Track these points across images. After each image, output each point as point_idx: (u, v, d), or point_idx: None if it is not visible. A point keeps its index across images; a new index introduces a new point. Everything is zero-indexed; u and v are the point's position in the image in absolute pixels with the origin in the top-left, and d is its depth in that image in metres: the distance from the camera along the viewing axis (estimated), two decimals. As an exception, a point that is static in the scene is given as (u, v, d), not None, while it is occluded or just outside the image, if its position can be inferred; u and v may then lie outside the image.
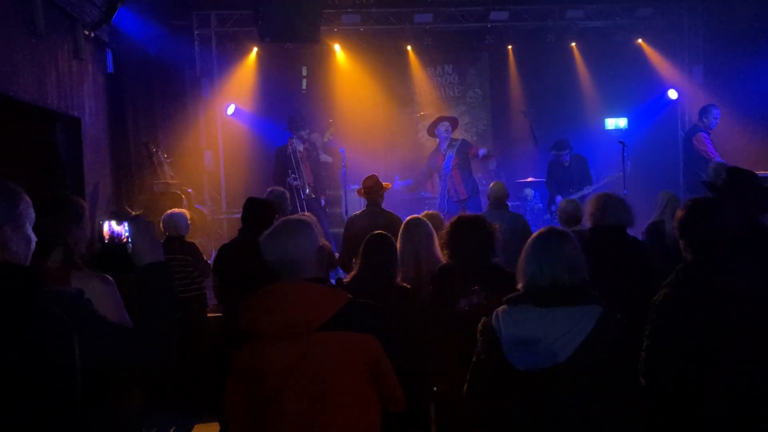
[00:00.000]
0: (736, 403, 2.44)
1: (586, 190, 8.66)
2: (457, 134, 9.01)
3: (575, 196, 8.49)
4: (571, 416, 2.24)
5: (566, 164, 8.80)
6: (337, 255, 5.80)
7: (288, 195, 6.08)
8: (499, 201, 5.86)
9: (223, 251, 4.94)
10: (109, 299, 2.43)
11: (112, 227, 2.06)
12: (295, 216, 2.48)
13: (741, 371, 2.45)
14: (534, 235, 2.52)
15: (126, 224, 2.05)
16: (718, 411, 2.44)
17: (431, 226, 4.28)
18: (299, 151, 8.53)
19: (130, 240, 2.04)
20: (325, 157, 9.26)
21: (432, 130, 8.74)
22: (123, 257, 2.03)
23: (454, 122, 8.76)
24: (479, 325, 2.44)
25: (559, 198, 8.39)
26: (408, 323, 3.46)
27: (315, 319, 2.21)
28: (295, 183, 8.34)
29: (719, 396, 2.44)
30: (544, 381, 2.24)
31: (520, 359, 2.26)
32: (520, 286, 2.43)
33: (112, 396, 2.28)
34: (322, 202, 8.82)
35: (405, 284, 3.81)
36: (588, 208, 4.15)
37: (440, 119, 8.68)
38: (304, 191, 8.44)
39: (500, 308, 2.40)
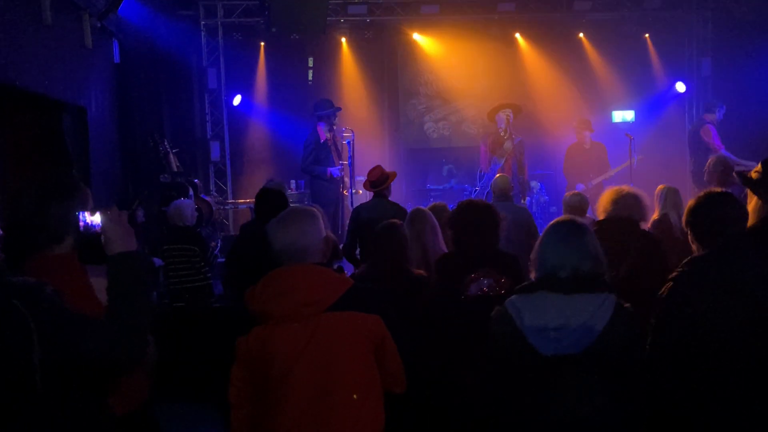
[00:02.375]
0: (741, 397, 2.44)
1: (607, 174, 8.66)
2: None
3: (595, 182, 8.51)
4: (588, 401, 2.26)
5: (587, 147, 8.76)
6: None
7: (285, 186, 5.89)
8: (503, 194, 5.85)
9: (239, 244, 4.90)
10: None
11: (85, 218, 2.07)
12: (302, 206, 2.53)
13: (747, 366, 2.44)
14: (552, 225, 2.51)
15: (99, 215, 2.07)
16: (722, 406, 2.44)
17: (435, 218, 4.28)
18: (329, 139, 8.27)
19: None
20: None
21: (493, 115, 8.29)
22: (97, 248, 2.04)
23: (516, 110, 8.24)
24: (492, 314, 2.43)
25: (580, 186, 8.38)
26: (421, 312, 3.46)
27: (324, 299, 2.26)
28: (339, 174, 8.19)
29: (725, 391, 2.44)
30: (569, 366, 2.25)
31: (546, 345, 2.27)
32: (534, 275, 2.43)
33: (109, 388, 2.29)
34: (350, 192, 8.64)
35: (421, 272, 3.82)
36: (601, 201, 4.15)
37: (502, 105, 8.24)
38: (347, 184, 8.18)
39: (514, 296, 2.40)
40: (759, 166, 4.06)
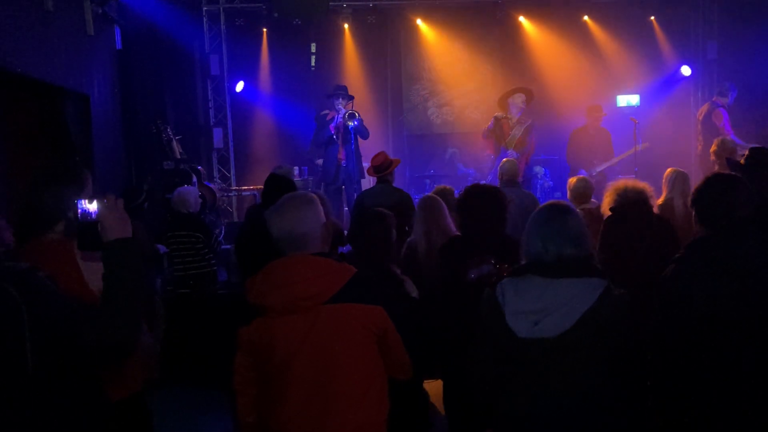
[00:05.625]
0: (743, 379, 2.43)
1: (612, 161, 8.55)
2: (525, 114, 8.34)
3: (599, 169, 8.43)
4: (568, 387, 2.24)
5: (592, 132, 8.64)
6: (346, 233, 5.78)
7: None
8: (510, 179, 5.83)
9: (247, 229, 4.89)
10: None
11: (82, 206, 2.08)
12: (300, 192, 2.49)
13: (749, 349, 2.44)
14: (536, 210, 2.49)
15: (96, 202, 2.08)
16: (725, 388, 2.44)
17: (444, 203, 4.27)
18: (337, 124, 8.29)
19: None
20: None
21: (504, 101, 8.25)
22: (94, 235, 2.05)
23: (529, 95, 8.17)
24: (482, 295, 2.42)
25: (582, 173, 8.33)
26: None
27: (323, 292, 2.24)
28: (344, 164, 8.22)
29: (726, 373, 2.44)
30: (545, 350, 2.23)
31: (522, 327, 2.25)
32: (523, 260, 2.42)
33: (104, 374, 2.29)
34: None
35: (399, 271, 3.74)
36: (605, 196, 4.15)
37: (515, 90, 8.17)
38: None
39: (505, 279, 2.39)
40: (748, 152, 4.07)
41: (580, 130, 8.80)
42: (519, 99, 8.07)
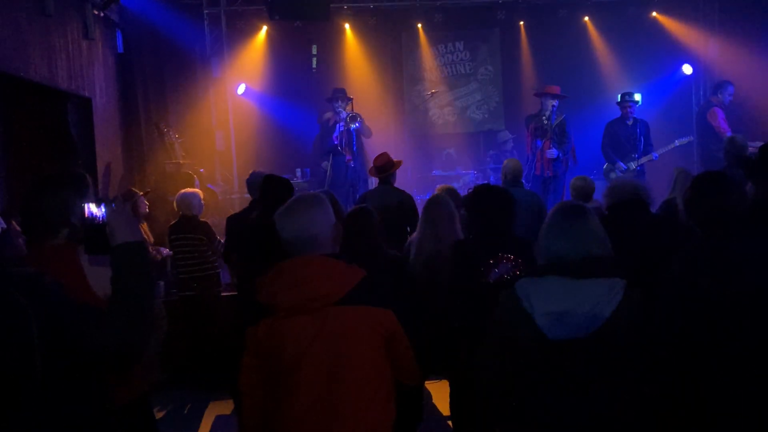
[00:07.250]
0: (746, 378, 2.43)
1: (655, 156, 8.22)
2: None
3: (641, 161, 8.15)
4: (596, 386, 2.23)
5: (630, 123, 8.29)
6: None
7: None
8: (514, 178, 5.83)
9: (240, 230, 4.88)
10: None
11: (90, 209, 2.08)
12: (309, 193, 2.47)
13: (751, 348, 2.43)
14: (555, 210, 2.47)
15: (104, 206, 2.07)
16: (729, 387, 2.44)
17: (452, 204, 4.25)
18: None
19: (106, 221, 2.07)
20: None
21: (540, 94, 8.37)
22: (102, 238, 2.05)
23: (561, 101, 8.29)
24: (500, 297, 2.40)
25: (623, 166, 8.11)
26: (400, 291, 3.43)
27: (333, 293, 2.23)
28: (352, 165, 8.30)
29: (730, 372, 2.44)
30: (576, 351, 2.23)
31: (553, 329, 2.24)
32: (541, 260, 2.41)
33: (112, 379, 2.29)
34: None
35: (396, 252, 3.79)
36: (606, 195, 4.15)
37: (553, 95, 8.16)
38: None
39: (522, 280, 2.38)
40: (758, 151, 4.05)
41: (615, 121, 8.48)
42: (553, 99, 8.10)
